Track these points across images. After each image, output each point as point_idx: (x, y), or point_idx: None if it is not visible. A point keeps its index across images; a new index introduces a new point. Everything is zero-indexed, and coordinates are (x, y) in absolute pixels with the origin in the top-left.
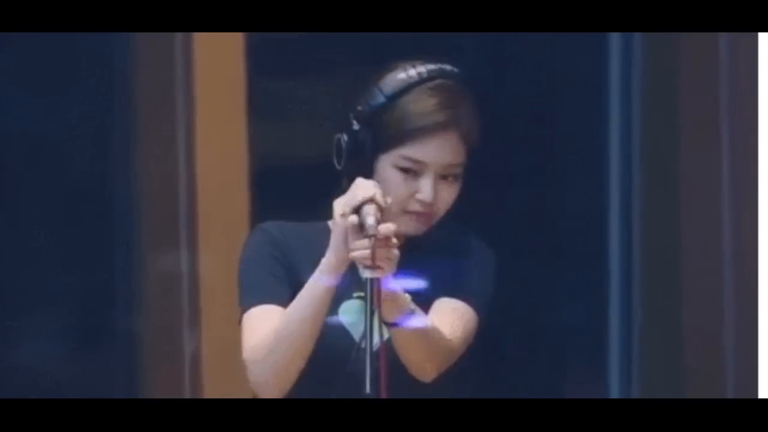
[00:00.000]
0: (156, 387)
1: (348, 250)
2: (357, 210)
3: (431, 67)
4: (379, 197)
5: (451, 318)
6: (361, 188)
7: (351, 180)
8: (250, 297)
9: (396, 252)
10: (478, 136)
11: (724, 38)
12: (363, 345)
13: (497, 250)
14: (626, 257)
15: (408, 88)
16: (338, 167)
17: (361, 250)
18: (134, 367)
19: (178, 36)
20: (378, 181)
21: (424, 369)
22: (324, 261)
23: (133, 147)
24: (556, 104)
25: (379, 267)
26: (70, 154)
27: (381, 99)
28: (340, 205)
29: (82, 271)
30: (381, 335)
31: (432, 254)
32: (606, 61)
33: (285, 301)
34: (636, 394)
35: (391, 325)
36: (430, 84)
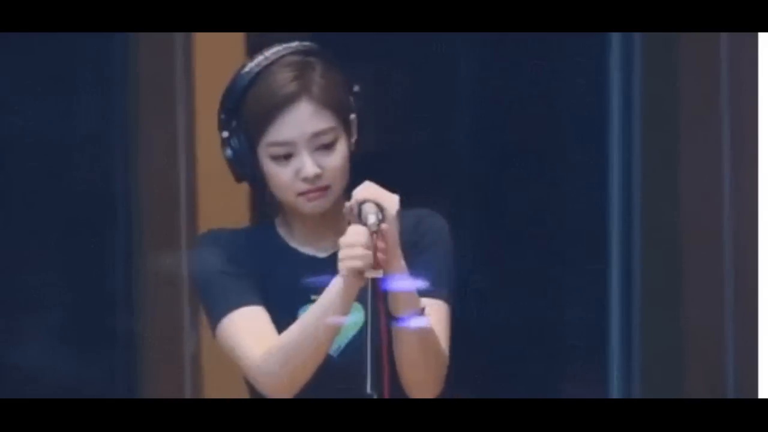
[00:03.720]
0: (156, 387)
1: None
2: (358, 211)
3: (275, 49)
4: (378, 196)
5: (439, 326)
6: (361, 188)
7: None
8: (222, 305)
9: (398, 252)
10: (339, 94)
11: (724, 38)
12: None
13: (497, 250)
14: (626, 257)
15: (255, 77)
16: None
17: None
18: (134, 368)
19: (178, 36)
20: (266, 178)
21: (427, 383)
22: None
23: (133, 147)
24: (557, 104)
25: (380, 266)
26: (70, 154)
27: (233, 97)
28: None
29: (82, 272)
30: (386, 335)
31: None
32: (606, 61)
33: (258, 300)
34: (636, 394)
35: (396, 320)
36: (275, 66)
